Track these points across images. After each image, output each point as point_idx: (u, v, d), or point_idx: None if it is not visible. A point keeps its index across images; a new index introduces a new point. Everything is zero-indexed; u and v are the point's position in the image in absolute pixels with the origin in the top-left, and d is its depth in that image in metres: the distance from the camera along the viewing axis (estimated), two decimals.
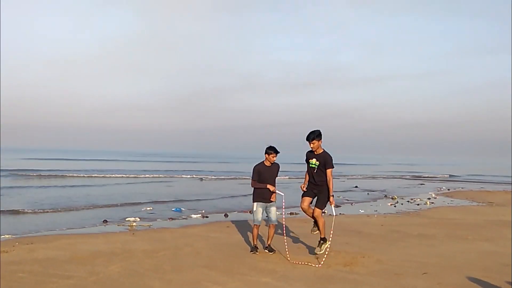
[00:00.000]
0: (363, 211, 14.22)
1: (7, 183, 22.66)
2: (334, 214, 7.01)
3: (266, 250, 7.38)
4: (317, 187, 6.86)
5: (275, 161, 7.31)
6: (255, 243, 7.41)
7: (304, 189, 6.98)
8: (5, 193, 17.74)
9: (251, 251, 7.37)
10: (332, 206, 6.81)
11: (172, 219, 11.94)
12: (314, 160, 6.83)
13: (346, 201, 17.48)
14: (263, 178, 7.24)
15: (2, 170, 28.59)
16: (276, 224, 7.41)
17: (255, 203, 7.34)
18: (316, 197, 6.94)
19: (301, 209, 7.09)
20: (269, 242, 7.42)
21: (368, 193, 21.60)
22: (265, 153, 7.24)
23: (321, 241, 6.91)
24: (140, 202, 15.86)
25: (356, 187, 25.41)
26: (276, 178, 7.39)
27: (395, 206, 15.88)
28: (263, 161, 7.31)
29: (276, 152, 7.20)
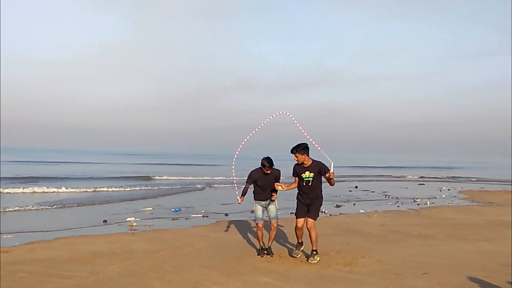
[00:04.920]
0: (363, 211, 14.21)
1: None
2: (332, 162, 6.58)
3: (264, 252, 7.26)
4: (310, 199, 6.82)
5: (275, 167, 7.20)
6: (261, 244, 7.32)
7: (280, 188, 6.88)
8: None
9: (258, 255, 7.26)
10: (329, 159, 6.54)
11: (172, 219, 11.94)
12: (307, 173, 6.67)
13: (346, 201, 17.47)
14: (260, 185, 7.20)
15: None
16: (277, 221, 7.33)
17: (254, 202, 7.35)
18: (308, 209, 6.87)
19: (296, 231, 7.02)
20: (269, 244, 7.33)
21: (368, 193, 21.60)
22: (260, 163, 7.16)
23: (314, 252, 6.88)
24: (140, 202, 15.91)
25: (356, 187, 25.39)
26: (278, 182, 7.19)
27: (398, 206, 15.87)
28: (261, 168, 7.18)
29: (271, 165, 7.09)
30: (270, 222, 7.35)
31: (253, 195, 7.39)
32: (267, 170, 7.11)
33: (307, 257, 6.93)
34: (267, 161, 7.11)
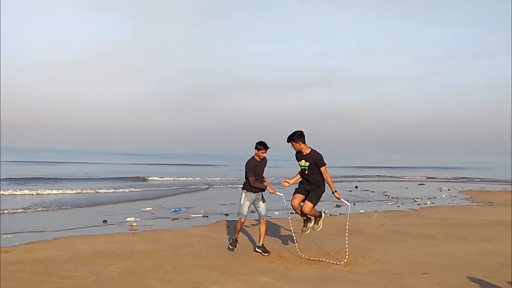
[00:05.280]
0: (363, 211, 14.20)
1: None
2: (349, 204, 7.02)
3: (259, 251, 7.26)
4: (310, 185, 6.77)
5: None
6: (236, 236, 7.37)
7: (286, 184, 6.87)
8: None
9: (230, 245, 7.32)
10: (342, 199, 6.73)
11: (173, 219, 11.94)
12: (303, 162, 6.71)
13: (346, 201, 17.45)
14: (256, 175, 7.18)
15: None
16: (267, 220, 7.37)
17: (243, 193, 7.24)
18: (308, 194, 6.82)
19: (291, 206, 6.94)
20: (261, 242, 7.31)
21: (368, 193, 21.59)
22: (255, 148, 7.17)
23: (318, 218, 6.89)
24: (140, 202, 15.92)
25: (356, 187, 25.38)
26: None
27: (398, 206, 15.87)
28: (253, 157, 7.22)
29: (266, 148, 7.12)
30: (260, 220, 7.32)
31: (243, 185, 7.33)
32: (263, 153, 7.12)
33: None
34: (263, 144, 7.13)
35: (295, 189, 6.98)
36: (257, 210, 7.34)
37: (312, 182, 6.74)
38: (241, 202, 7.28)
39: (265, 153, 7.17)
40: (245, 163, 7.24)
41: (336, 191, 6.62)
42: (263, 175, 7.34)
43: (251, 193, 7.22)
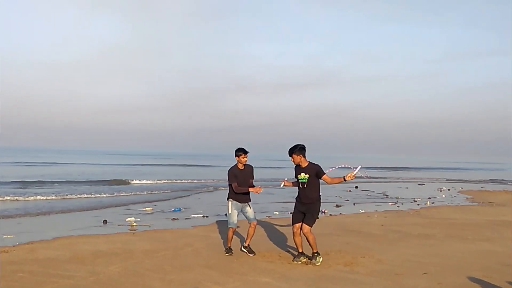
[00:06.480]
0: (363, 211, 14.20)
1: None
2: (359, 167, 6.71)
3: (245, 251, 7.26)
4: (305, 205, 6.70)
5: (247, 163, 7.18)
6: (229, 245, 7.32)
7: (285, 184, 6.94)
8: None
9: (226, 253, 7.24)
10: (354, 173, 6.55)
11: (173, 219, 11.94)
12: (302, 174, 6.65)
13: (346, 201, 17.47)
14: (239, 182, 7.09)
15: None
16: (256, 223, 7.34)
17: (230, 203, 7.19)
18: (304, 216, 6.73)
19: (292, 233, 6.87)
20: (248, 243, 7.31)
21: (368, 193, 21.59)
22: (235, 156, 7.10)
23: (316, 254, 6.75)
24: (140, 203, 15.93)
25: (356, 187, 25.38)
26: (253, 180, 7.25)
27: (398, 206, 15.88)
28: (235, 164, 7.14)
29: (245, 152, 7.07)
30: (249, 223, 7.27)
31: (228, 195, 7.27)
32: (244, 157, 7.04)
33: (310, 258, 6.78)
34: (241, 150, 7.06)
35: (292, 215, 6.95)
36: (245, 215, 7.29)
37: (307, 202, 6.69)
38: (229, 212, 7.21)
39: (246, 157, 7.07)
40: (227, 171, 7.21)
41: (344, 176, 6.52)
42: (253, 184, 7.24)
43: (237, 202, 7.17)
